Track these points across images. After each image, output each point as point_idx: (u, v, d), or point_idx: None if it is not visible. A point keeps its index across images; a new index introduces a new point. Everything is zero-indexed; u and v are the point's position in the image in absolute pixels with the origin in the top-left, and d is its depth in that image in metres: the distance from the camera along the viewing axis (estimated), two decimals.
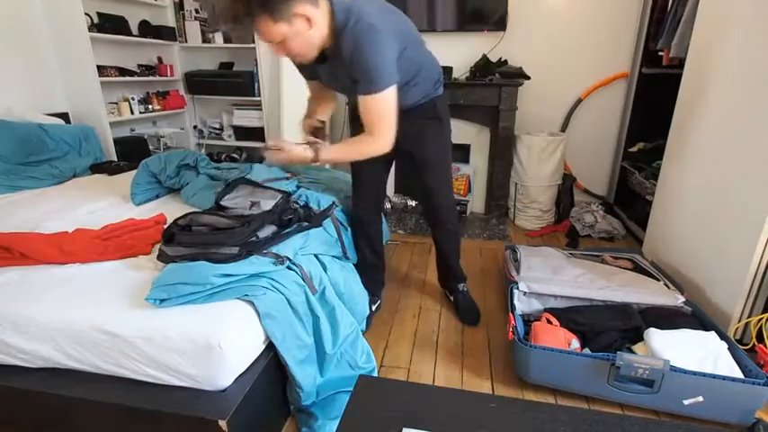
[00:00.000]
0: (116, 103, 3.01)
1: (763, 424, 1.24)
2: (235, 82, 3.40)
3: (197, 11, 3.35)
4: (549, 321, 1.51)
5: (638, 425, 0.77)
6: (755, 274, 1.46)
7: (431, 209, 1.74)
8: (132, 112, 3.10)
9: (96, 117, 2.75)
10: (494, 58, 2.82)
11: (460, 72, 2.92)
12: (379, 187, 1.77)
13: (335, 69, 1.32)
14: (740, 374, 1.26)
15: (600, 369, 1.31)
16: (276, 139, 1.31)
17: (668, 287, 1.66)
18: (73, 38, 2.59)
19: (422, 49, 1.45)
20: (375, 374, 1.41)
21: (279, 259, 1.29)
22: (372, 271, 1.84)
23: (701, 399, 1.25)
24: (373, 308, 1.82)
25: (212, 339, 1.01)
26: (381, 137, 1.28)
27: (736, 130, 1.57)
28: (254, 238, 1.31)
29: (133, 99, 3.10)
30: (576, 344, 1.43)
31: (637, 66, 2.71)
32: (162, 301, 1.08)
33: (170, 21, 3.37)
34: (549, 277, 1.75)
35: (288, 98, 3.30)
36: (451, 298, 1.95)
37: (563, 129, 3.05)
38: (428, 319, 1.85)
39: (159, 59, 3.40)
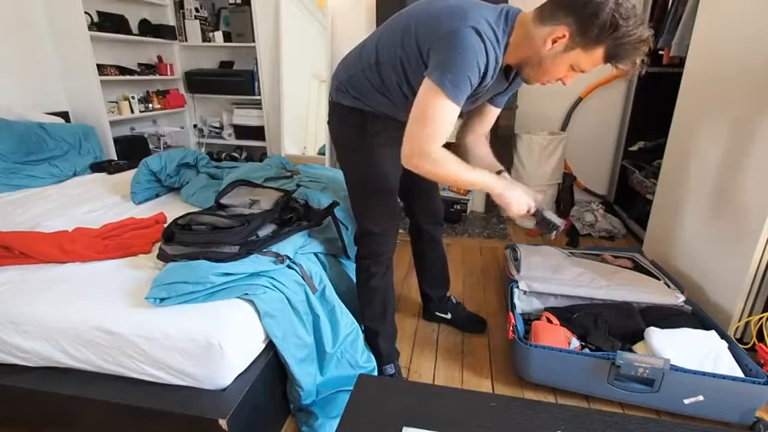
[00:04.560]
0: (116, 102, 3.00)
1: (764, 423, 1.24)
2: (235, 81, 3.40)
3: (197, 9, 3.34)
4: (549, 320, 1.51)
5: (639, 424, 0.77)
6: (755, 273, 1.46)
7: (436, 207, 1.67)
8: (132, 111, 3.10)
9: (96, 116, 2.75)
10: None
11: None
12: None
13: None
14: (740, 373, 1.25)
15: (600, 368, 1.31)
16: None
17: (668, 286, 1.65)
18: (73, 37, 2.58)
19: None
20: (375, 374, 1.41)
21: (279, 258, 1.29)
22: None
23: (701, 398, 1.25)
24: None
25: (212, 338, 1.01)
26: None
27: (737, 129, 1.57)
28: (253, 237, 1.31)
29: (133, 98, 3.10)
30: (576, 343, 1.43)
31: None
32: (162, 299, 1.08)
33: (170, 19, 3.36)
34: (549, 276, 1.75)
35: (288, 97, 3.30)
36: (448, 316, 1.78)
37: (563, 128, 3.04)
38: None
39: (159, 58, 3.40)
